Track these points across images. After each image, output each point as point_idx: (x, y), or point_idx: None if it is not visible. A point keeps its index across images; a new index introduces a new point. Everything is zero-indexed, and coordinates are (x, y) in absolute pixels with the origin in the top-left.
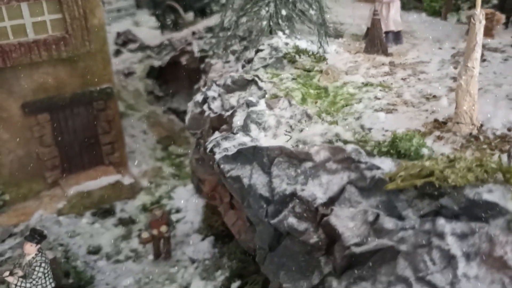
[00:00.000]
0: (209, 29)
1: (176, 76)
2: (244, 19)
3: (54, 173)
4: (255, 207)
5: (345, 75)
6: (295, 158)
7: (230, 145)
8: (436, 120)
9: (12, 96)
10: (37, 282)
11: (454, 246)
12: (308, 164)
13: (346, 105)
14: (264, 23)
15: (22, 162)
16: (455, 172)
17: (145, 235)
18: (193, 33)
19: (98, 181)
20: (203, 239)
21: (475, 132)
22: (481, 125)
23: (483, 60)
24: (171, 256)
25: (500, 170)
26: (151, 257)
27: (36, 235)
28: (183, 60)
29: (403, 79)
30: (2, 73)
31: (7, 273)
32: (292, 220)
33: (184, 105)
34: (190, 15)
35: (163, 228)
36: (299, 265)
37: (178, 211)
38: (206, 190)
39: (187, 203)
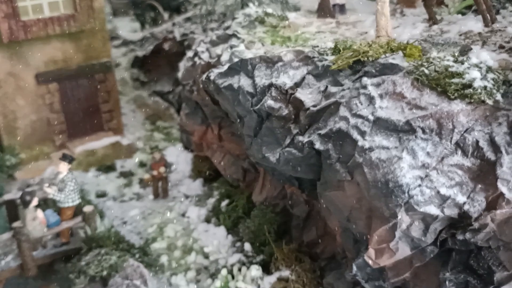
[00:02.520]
0: (188, 19)
1: (158, 64)
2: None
3: (62, 137)
4: (243, 102)
5: (302, 28)
6: (270, 61)
7: (220, 70)
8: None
9: (28, 68)
10: (67, 195)
11: (373, 91)
12: (280, 64)
13: (304, 42)
14: None
15: (34, 127)
16: (373, 50)
17: (146, 176)
18: (173, 24)
19: (100, 142)
20: (194, 181)
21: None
22: (394, 39)
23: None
24: (168, 194)
25: (399, 48)
26: (151, 197)
27: (68, 157)
28: (166, 46)
29: (346, 29)
30: (20, 47)
31: (46, 184)
32: (270, 102)
33: (167, 88)
34: (165, 14)
35: (162, 169)
36: (276, 138)
37: (170, 164)
38: (195, 140)
39: (177, 158)
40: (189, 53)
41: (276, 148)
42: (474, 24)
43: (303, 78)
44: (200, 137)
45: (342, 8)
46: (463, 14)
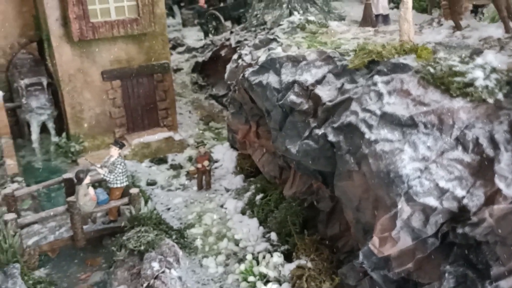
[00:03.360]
0: (244, 28)
1: (215, 69)
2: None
3: (121, 129)
4: (270, 97)
5: (340, 34)
6: (296, 60)
7: (253, 69)
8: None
9: (95, 65)
10: (116, 177)
11: (382, 88)
12: (304, 62)
13: (338, 46)
14: (284, 5)
15: (98, 119)
16: (387, 51)
17: (192, 168)
18: (231, 32)
19: (155, 136)
20: (235, 177)
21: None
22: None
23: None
24: (210, 187)
25: (412, 50)
26: (195, 188)
27: (119, 143)
28: (223, 52)
29: (381, 37)
30: (89, 46)
31: (98, 164)
32: (292, 97)
33: (222, 91)
34: (227, 23)
35: (206, 163)
36: (298, 131)
37: (216, 161)
38: (239, 138)
39: (224, 156)
40: (235, 56)
41: (297, 141)
42: (495, 30)
43: (324, 76)
44: (243, 135)
45: (385, 19)
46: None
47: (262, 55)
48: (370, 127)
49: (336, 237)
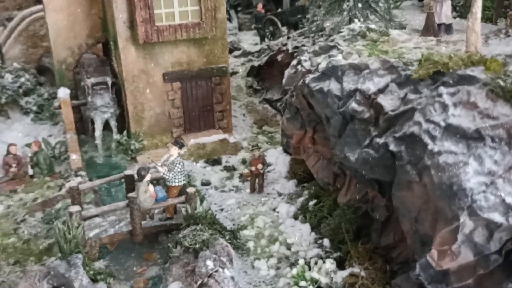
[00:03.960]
0: (301, 34)
1: (271, 73)
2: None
3: (179, 129)
4: (331, 104)
5: (401, 43)
6: (358, 68)
7: (314, 75)
8: None
9: (158, 67)
10: (174, 175)
11: (447, 100)
12: (366, 71)
13: (399, 55)
14: (345, 13)
15: (157, 119)
16: (453, 62)
17: (245, 171)
18: (288, 38)
19: (210, 138)
20: (288, 181)
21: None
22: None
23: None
24: (263, 190)
25: (480, 62)
26: (248, 190)
27: (179, 143)
28: (279, 57)
29: (445, 47)
30: (153, 49)
31: (159, 163)
32: (354, 105)
33: (276, 96)
34: (283, 29)
35: (260, 166)
36: (358, 139)
37: (269, 165)
38: (294, 143)
39: (277, 160)
40: (293, 61)
41: (357, 149)
42: None
43: (387, 85)
44: (298, 141)
45: (448, 28)
46: None
47: (322, 62)
48: (433, 138)
49: (390, 247)
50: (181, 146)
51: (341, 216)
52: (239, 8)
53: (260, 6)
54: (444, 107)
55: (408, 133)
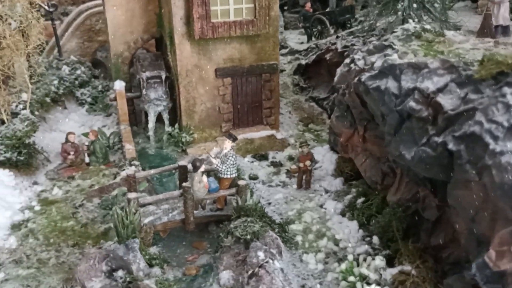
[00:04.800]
0: (351, 33)
1: (318, 72)
2: (382, 16)
3: (228, 124)
4: (388, 102)
5: (457, 44)
6: (417, 67)
7: (370, 74)
8: None
9: (210, 62)
10: (227, 168)
11: (511, 100)
12: (425, 70)
13: (456, 56)
14: (399, 13)
15: (208, 113)
16: None
17: (293, 167)
18: (337, 37)
19: (258, 133)
20: (335, 179)
21: None
22: None
23: None
24: (310, 186)
25: None
26: (294, 186)
27: (232, 136)
28: (328, 56)
29: (503, 48)
30: (207, 45)
31: (213, 155)
32: (412, 104)
33: (323, 95)
34: (331, 29)
35: (308, 162)
36: (414, 137)
37: (316, 162)
38: (342, 141)
39: (323, 157)
40: (346, 60)
41: (413, 147)
42: None
43: (446, 85)
44: (346, 139)
45: (505, 30)
46: None
47: (377, 61)
48: (495, 138)
49: (440, 247)
50: (234, 139)
51: (391, 214)
52: (285, 7)
53: (308, 5)
54: (508, 107)
55: (468, 132)
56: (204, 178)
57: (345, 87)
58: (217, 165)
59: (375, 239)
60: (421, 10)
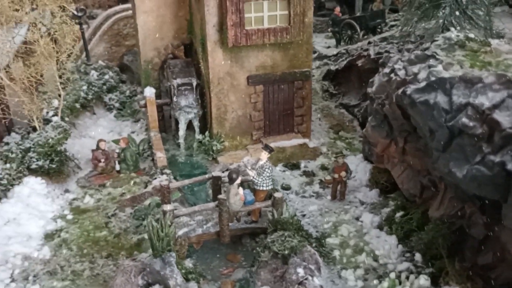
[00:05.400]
0: (384, 39)
1: (349, 78)
2: (421, 22)
3: (259, 132)
4: (437, 117)
5: (505, 54)
6: (470, 82)
7: (417, 86)
8: None
9: (242, 70)
10: (263, 180)
11: None
12: (479, 85)
13: (506, 68)
14: (441, 21)
15: (239, 121)
16: None
17: (327, 177)
18: (369, 43)
19: (290, 141)
20: (370, 190)
21: None
22: None
23: None
24: (344, 198)
25: None
26: (328, 197)
27: (269, 148)
28: (359, 62)
29: None
30: (239, 52)
31: (249, 167)
32: (465, 120)
33: (353, 101)
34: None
35: (343, 173)
36: (465, 155)
37: (351, 173)
38: (378, 151)
39: (357, 167)
40: (385, 70)
41: (464, 165)
42: None
43: (503, 101)
44: (382, 149)
45: None
46: None
47: (421, 72)
48: None
49: (488, 266)
50: (271, 150)
51: (435, 231)
52: None
53: (337, 9)
54: None
55: None
56: (241, 190)
57: (384, 97)
58: (253, 177)
59: (418, 256)
60: (463, 17)
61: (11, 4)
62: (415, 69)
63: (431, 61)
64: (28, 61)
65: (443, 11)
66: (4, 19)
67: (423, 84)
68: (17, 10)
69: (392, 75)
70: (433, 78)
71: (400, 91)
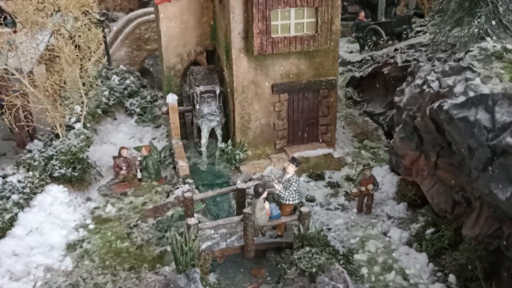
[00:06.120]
0: (411, 46)
1: (373, 85)
2: (455, 30)
3: (282, 141)
4: (478, 135)
5: None
6: None
7: (455, 102)
8: None
9: (267, 78)
10: (290, 194)
11: None
12: None
13: None
14: (475, 30)
15: (262, 129)
16: None
17: (354, 190)
18: (395, 50)
19: (314, 151)
20: (398, 204)
21: None
22: None
23: None
24: (371, 211)
25: None
26: (354, 210)
27: (296, 161)
28: (385, 70)
29: None
30: (264, 60)
31: (276, 181)
32: (509, 140)
33: (378, 109)
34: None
35: (370, 186)
36: (509, 176)
37: (378, 185)
38: (406, 164)
39: (383, 179)
40: (417, 81)
41: (508, 186)
42: None
43: None
44: (411, 162)
45: None
46: None
47: (457, 85)
48: None
49: None
50: (298, 164)
51: (470, 251)
52: None
53: (362, 14)
54: None
55: None
56: (267, 204)
57: (416, 109)
58: (279, 191)
59: (451, 277)
60: (499, 26)
61: (36, 11)
62: (450, 81)
63: (468, 74)
64: (52, 68)
65: (479, 20)
66: (29, 26)
67: (461, 99)
68: (41, 17)
69: (425, 86)
70: (471, 93)
71: (436, 105)
